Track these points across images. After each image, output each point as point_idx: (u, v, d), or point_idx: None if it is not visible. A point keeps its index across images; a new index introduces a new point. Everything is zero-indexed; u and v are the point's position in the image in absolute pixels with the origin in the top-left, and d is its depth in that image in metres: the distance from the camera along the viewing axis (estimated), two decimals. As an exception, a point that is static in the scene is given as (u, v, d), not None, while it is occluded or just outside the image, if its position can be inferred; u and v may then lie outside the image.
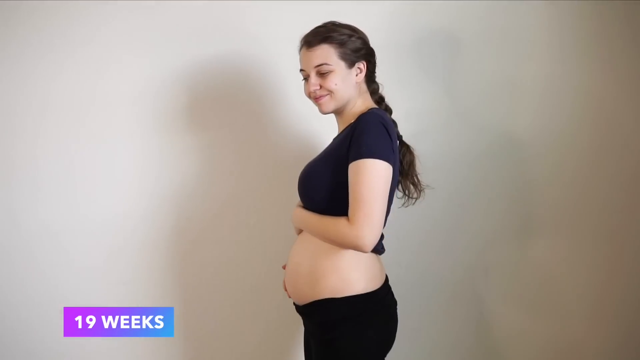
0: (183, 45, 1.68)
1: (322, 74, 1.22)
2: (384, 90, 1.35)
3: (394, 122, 1.29)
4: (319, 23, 1.28)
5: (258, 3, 1.69)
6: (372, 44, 1.30)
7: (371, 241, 1.09)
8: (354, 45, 1.23)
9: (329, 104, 1.25)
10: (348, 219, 1.11)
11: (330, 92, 1.23)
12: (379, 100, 1.33)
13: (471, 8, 1.70)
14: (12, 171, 1.67)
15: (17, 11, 1.64)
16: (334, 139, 1.31)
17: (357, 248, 1.11)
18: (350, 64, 1.23)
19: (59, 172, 1.68)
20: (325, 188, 1.19)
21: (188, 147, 1.71)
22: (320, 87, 1.23)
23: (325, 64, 1.21)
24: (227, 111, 1.71)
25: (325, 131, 1.44)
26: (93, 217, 1.69)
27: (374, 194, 1.09)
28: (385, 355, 1.24)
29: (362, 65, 1.25)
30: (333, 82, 1.22)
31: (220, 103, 1.71)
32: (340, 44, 1.22)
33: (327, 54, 1.22)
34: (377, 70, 1.33)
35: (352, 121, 1.22)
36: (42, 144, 1.67)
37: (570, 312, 1.76)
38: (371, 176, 1.09)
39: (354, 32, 1.25)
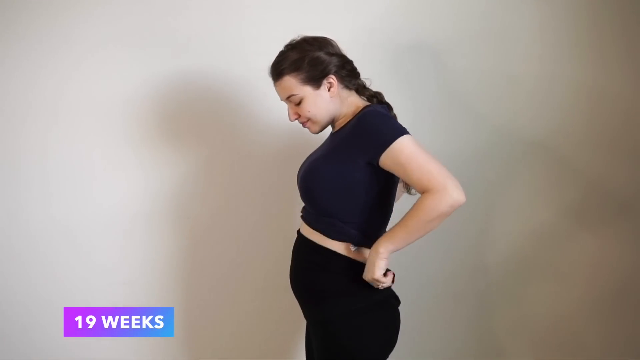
0: (183, 46, 1.68)
1: (296, 103, 1.23)
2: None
3: (394, 116, 1.28)
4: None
5: (250, 3, 1.69)
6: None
7: (459, 188, 1.09)
8: (309, 67, 1.19)
9: (314, 127, 1.26)
10: (425, 195, 1.09)
11: (309, 118, 1.24)
12: (371, 96, 1.29)
13: (468, 7, 1.70)
14: (12, 172, 1.67)
15: (20, 13, 1.65)
16: (333, 136, 1.29)
17: (455, 204, 1.09)
18: (317, 84, 1.21)
19: (59, 173, 1.68)
20: (330, 188, 1.18)
21: (189, 147, 1.72)
22: (300, 115, 1.24)
23: (292, 94, 1.21)
24: (228, 111, 1.72)
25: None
26: (93, 217, 1.70)
27: (426, 159, 1.10)
28: (387, 355, 1.22)
29: (330, 79, 1.21)
30: (306, 109, 1.22)
31: (221, 103, 1.71)
32: (297, 71, 1.19)
33: (290, 85, 1.21)
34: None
35: (351, 118, 1.22)
36: (40, 146, 1.68)
37: (572, 311, 1.75)
38: (411, 149, 1.10)
39: (304, 52, 1.20)
